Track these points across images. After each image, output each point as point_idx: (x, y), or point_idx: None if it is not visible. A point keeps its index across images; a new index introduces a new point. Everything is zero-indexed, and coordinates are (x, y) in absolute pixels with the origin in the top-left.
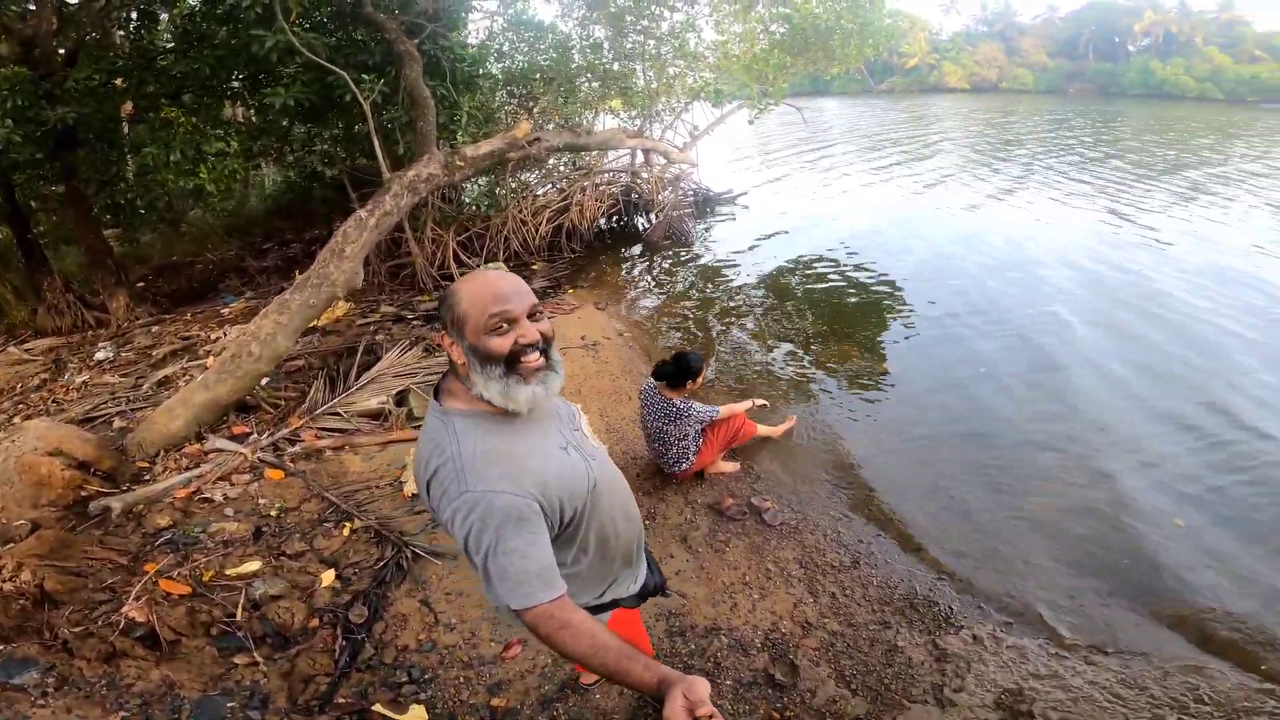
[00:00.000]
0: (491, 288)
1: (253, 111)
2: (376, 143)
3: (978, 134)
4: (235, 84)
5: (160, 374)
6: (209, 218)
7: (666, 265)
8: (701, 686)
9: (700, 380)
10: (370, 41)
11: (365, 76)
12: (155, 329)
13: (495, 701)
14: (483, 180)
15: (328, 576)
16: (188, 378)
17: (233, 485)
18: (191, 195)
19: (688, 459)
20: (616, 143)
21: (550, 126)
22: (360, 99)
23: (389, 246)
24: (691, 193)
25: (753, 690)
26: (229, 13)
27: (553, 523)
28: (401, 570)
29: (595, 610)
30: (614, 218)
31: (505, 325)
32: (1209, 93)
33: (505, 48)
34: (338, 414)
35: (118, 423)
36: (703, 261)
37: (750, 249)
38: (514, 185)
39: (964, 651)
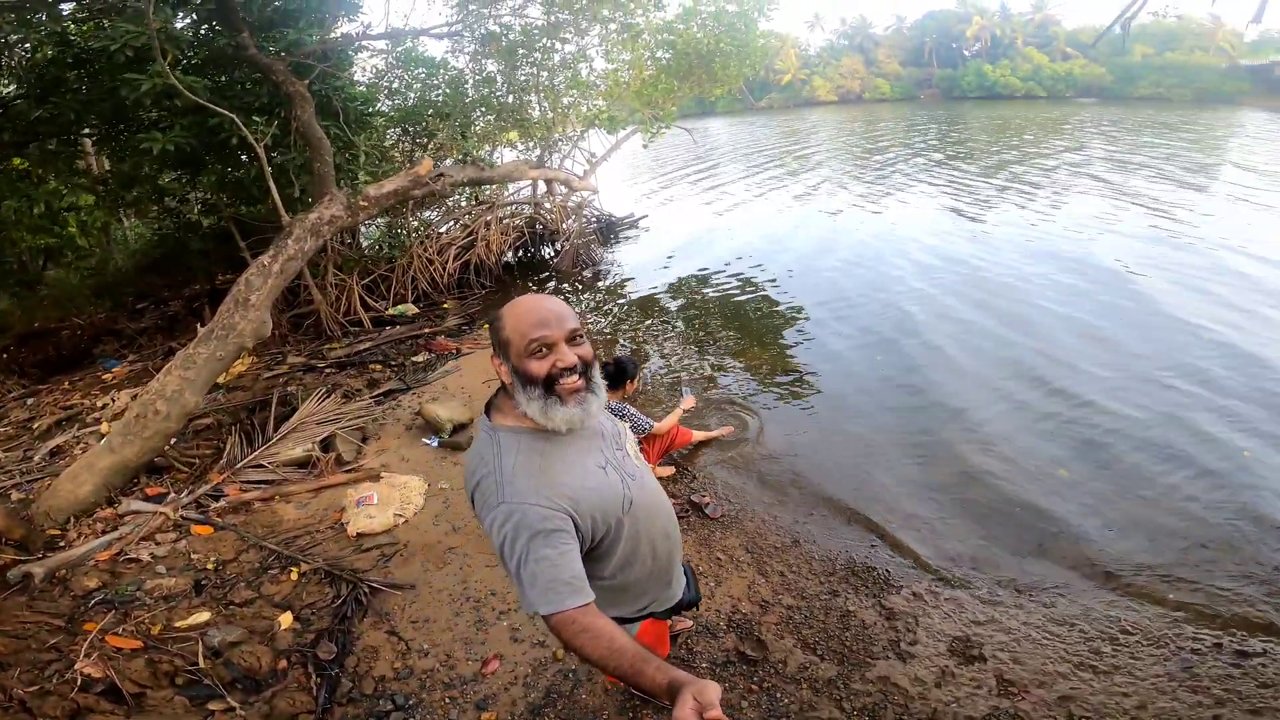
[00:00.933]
0: (533, 313)
1: (119, 160)
2: (272, 186)
3: (848, 144)
4: (93, 131)
5: (50, 444)
6: (71, 278)
7: (578, 292)
8: (712, 690)
9: (635, 385)
10: (247, 82)
11: (256, 118)
12: (30, 401)
13: (485, 716)
14: (381, 221)
15: (286, 619)
16: (83, 446)
17: (158, 544)
18: (44, 254)
19: None
20: (519, 175)
21: (449, 162)
22: (253, 141)
23: (289, 296)
24: (595, 220)
25: (728, 669)
26: (94, 56)
27: (585, 536)
28: (361, 605)
29: (627, 621)
30: (520, 250)
31: (544, 350)
32: (1033, 91)
33: (396, 85)
34: (261, 465)
35: (15, 495)
36: (613, 285)
37: (656, 269)
38: (415, 224)
39: (909, 608)
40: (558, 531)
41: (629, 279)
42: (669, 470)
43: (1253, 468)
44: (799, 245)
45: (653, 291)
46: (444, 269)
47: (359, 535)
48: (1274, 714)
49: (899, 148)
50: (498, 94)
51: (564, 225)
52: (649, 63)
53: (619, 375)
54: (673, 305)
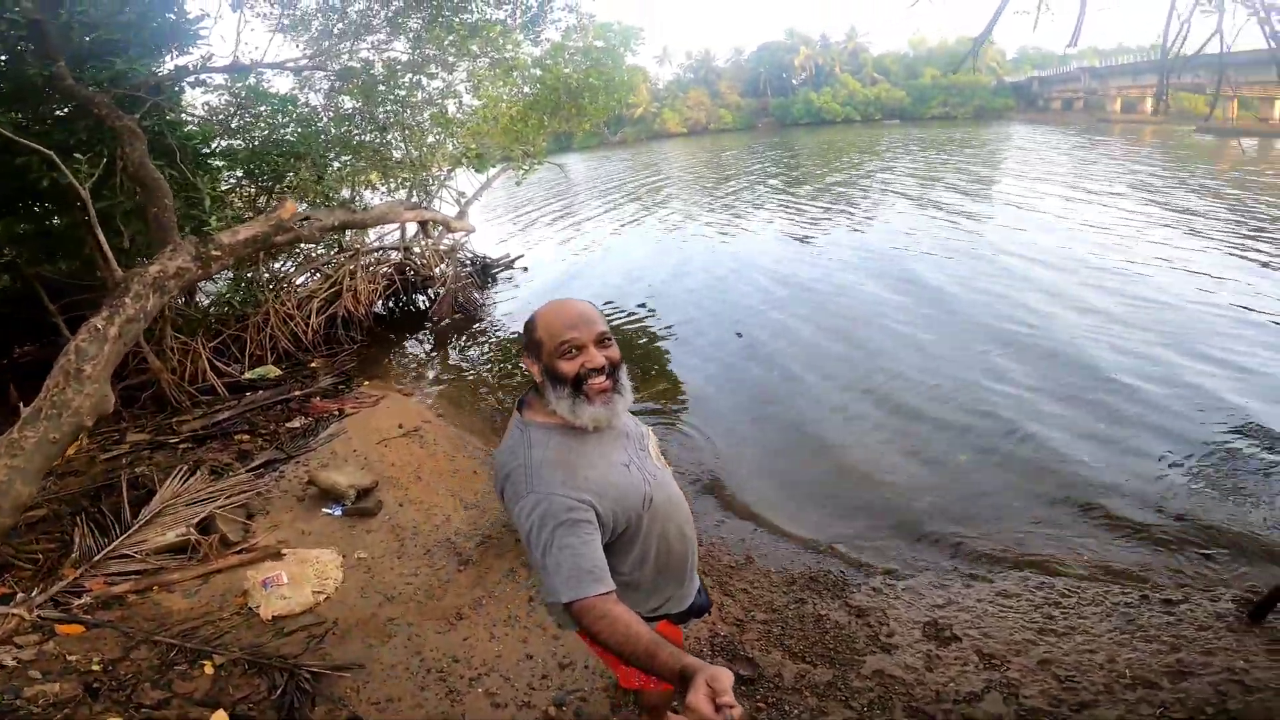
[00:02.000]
0: (564, 316)
1: None
2: (100, 235)
3: (697, 175)
4: None
5: None
6: None
7: (462, 340)
8: (725, 677)
9: None
10: (51, 119)
11: (77, 156)
12: None
13: None
14: (227, 275)
15: (219, 717)
16: None
17: (20, 647)
18: None
19: None
20: (394, 217)
21: (302, 206)
22: (76, 183)
23: (118, 365)
24: (470, 263)
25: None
26: None
27: (606, 529)
28: (307, 694)
29: (646, 620)
30: (392, 299)
31: (574, 351)
32: (851, 115)
33: (236, 124)
34: (127, 555)
35: None
36: (496, 330)
37: (534, 308)
38: (266, 276)
39: (874, 603)
40: (582, 522)
41: (510, 322)
42: None
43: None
44: (661, 275)
45: (519, 333)
46: (307, 324)
47: (276, 618)
48: (1225, 652)
49: (742, 175)
50: (356, 133)
51: (438, 270)
52: (518, 98)
53: None
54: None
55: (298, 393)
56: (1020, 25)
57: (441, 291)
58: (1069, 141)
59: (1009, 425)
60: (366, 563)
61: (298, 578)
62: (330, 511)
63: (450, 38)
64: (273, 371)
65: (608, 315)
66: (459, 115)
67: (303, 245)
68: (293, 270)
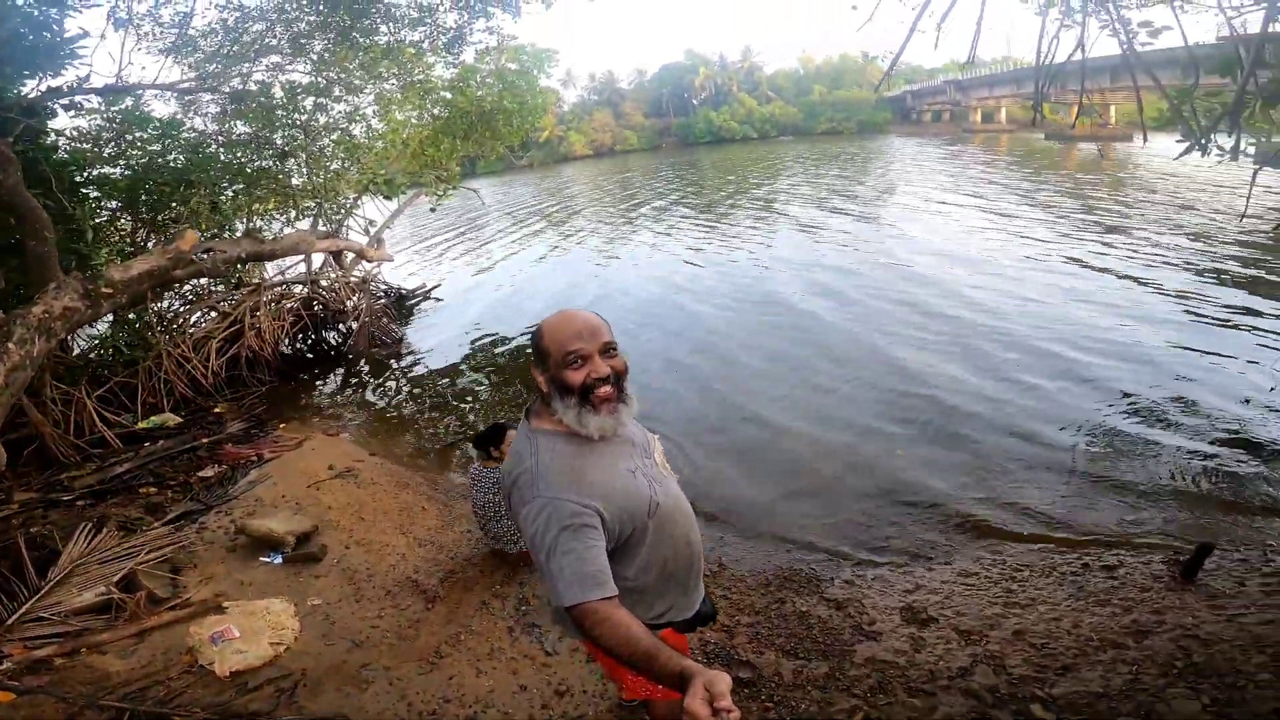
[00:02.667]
0: (569, 327)
1: None
2: None
3: (604, 196)
4: None
5: None
6: None
7: (384, 375)
8: (723, 680)
9: (506, 444)
10: None
11: None
12: None
13: None
14: (109, 317)
15: None
16: None
17: None
18: None
19: None
20: (306, 247)
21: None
22: None
23: None
24: (384, 294)
25: (732, 698)
26: None
27: (612, 534)
28: None
29: (651, 627)
30: (300, 336)
31: (580, 361)
32: (749, 133)
33: (110, 150)
34: (43, 618)
35: None
36: (419, 362)
37: (459, 338)
38: (153, 316)
39: (849, 595)
40: (586, 527)
41: (435, 354)
42: None
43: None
44: (581, 299)
45: (461, 362)
46: (206, 367)
47: (234, 674)
48: (1173, 610)
49: (650, 196)
50: (252, 160)
51: (350, 304)
52: (428, 121)
53: (487, 438)
54: (484, 372)
55: (205, 440)
56: (895, 43)
57: (355, 326)
58: (940, 151)
59: (933, 418)
60: (323, 609)
61: (250, 630)
62: (270, 560)
63: (359, 59)
64: (171, 420)
65: (526, 344)
66: (364, 140)
67: (195, 281)
68: (185, 309)
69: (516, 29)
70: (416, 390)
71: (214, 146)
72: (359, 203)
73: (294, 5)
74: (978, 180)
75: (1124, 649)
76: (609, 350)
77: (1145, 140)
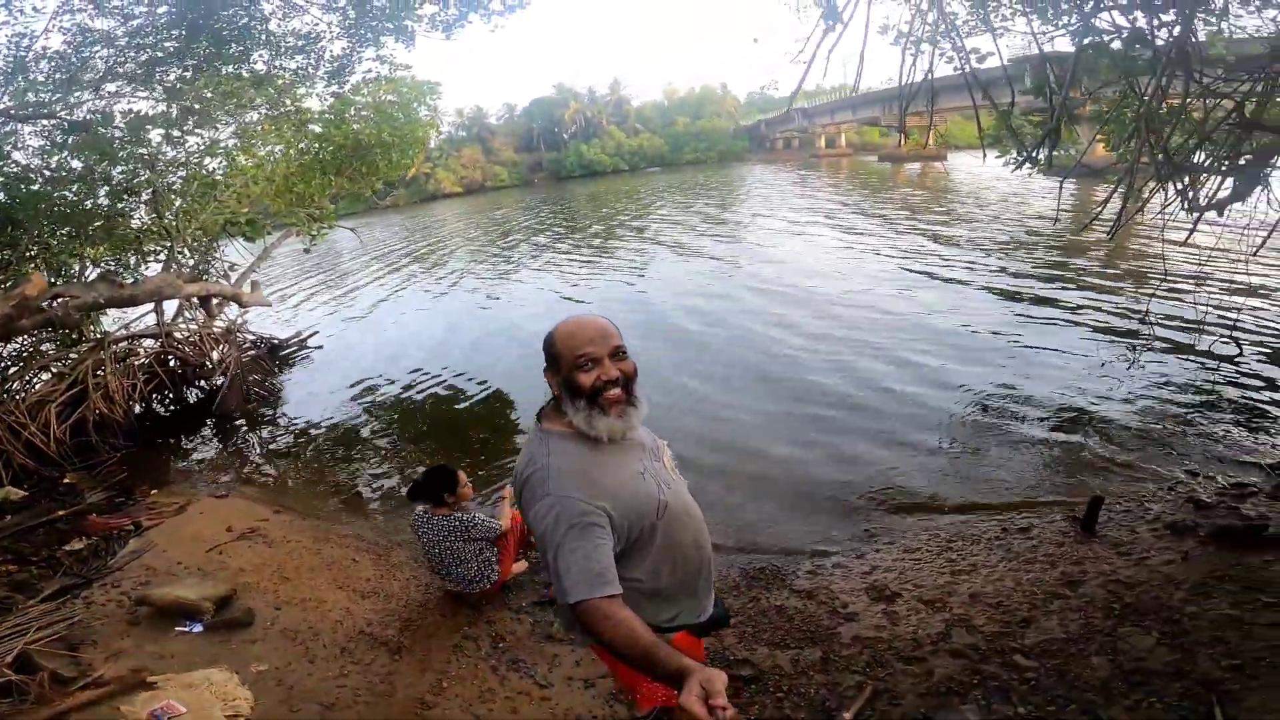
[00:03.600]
0: (580, 332)
1: None
2: None
3: (476, 234)
4: None
5: None
6: None
7: (267, 432)
8: (719, 678)
9: (463, 487)
10: None
11: None
12: None
13: None
14: None
15: None
16: None
17: None
18: None
19: (492, 571)
20: (172, 292)
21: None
22: None
23: None
24: (255, 345)
25: (741, 696)
26: None
27: (620, 534)
28: None
29: (660, 631)
30: (158, 395)
31: (590, 364)
32: (619, 165)
33: None
34: None
35: None
36: (305, 415)
37: (346, 387)
38: None
39: (816, 584)
40: (594, 526)
41: (319, 405)
42: (523, 565)
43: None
44: (467, 337)
45: (353, 412)
46: (46, 434)
47: None
48: (1089, 560)
49: (523, 231)
50: (84, 198)
51: (215, 357)
52: (296, 156)
53: (437, 486)
54: (379, 420)
55: (63, 513)
56: (748, 74)
57: (224, 381)
58: (793, 176)
59: (835, 419)
60: (273, 674)
61: (197, 704)
62: (188, 629)
63: (220, 88)
64: (14, 494)
65: (422, 385)
66: (222, 176)
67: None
68: (14, 370)
69: (410, 58)
70: (309, 444)
71: (39, 183)
72: (217, 245)
73: (149, 29)
74: (828, 202)
75: (1065, 598)
76: (618, 354)
77: (985, 157)
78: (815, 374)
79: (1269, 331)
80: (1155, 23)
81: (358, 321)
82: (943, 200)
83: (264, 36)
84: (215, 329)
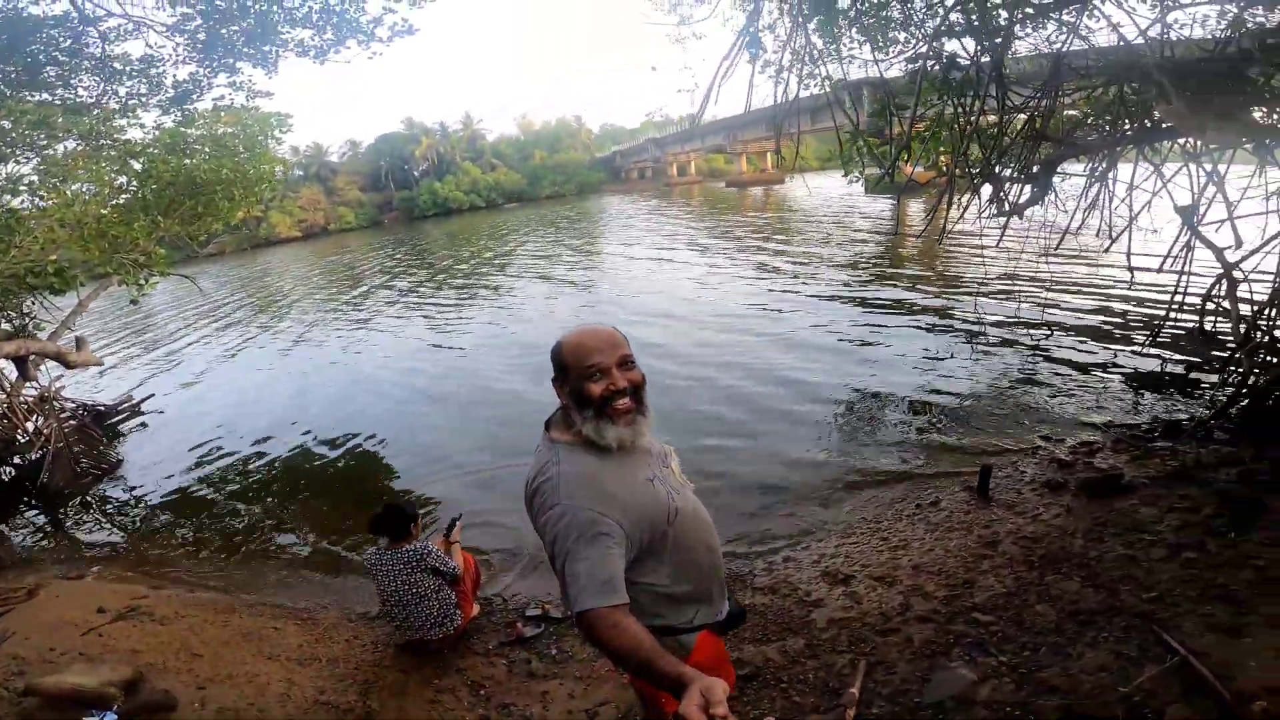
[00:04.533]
0: (588, 342)
1: None
2: None
3: (327, 280)
4: None
5: None
6: None
7: (111, 506)
8: (719, 686)
9: (419, 527)
10: None
11: None
12: None
13: None
14: None
15: None
16: None
17: None
18: None
19: (454, 613)
20: None
21: None
22: None
23: None
24: (81, 412)
25: (746, 695)
26: None
27: (633, 542)
28: None
29: (681, 631)
30: None
31: (599, 374)
32: (475, 202)
33: None
34: None
35: None
36: (152, 484)
37: (192, 452)
38: None
39: (775, 579)
40: (603, 535)
41: (165, 473)
42: (476, 608)
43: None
44: (317, 392)
45: (205, 481)
46: None
47: None
48: (996, 522)
49: (376, 276)
50: None
51: (31, 428)
52: (113, 194)
53: (399, 521)
54: (237, 483)
55: None
56: (600, 107)
57: (44, 455)
58: (649, 205)
59: (744, 428)
60: None
61: None
62: (98, 718)
63: (27, 118)
64: None
65: (286, 442)
66: (23, 215)
67: None
68: None
69: (271, 85)
70: (173, 514)
71: None
72: (23, 298)
73: None
74: (687, 229)
75: (990, 558)
76: (626, 363)
77: (854, 180)
78: (700, 402)
79: (1070, 315)
80: (978, 49)
81: (193, 383)
82: (786, 221)
83: (89, 62)
84: (26, 397)
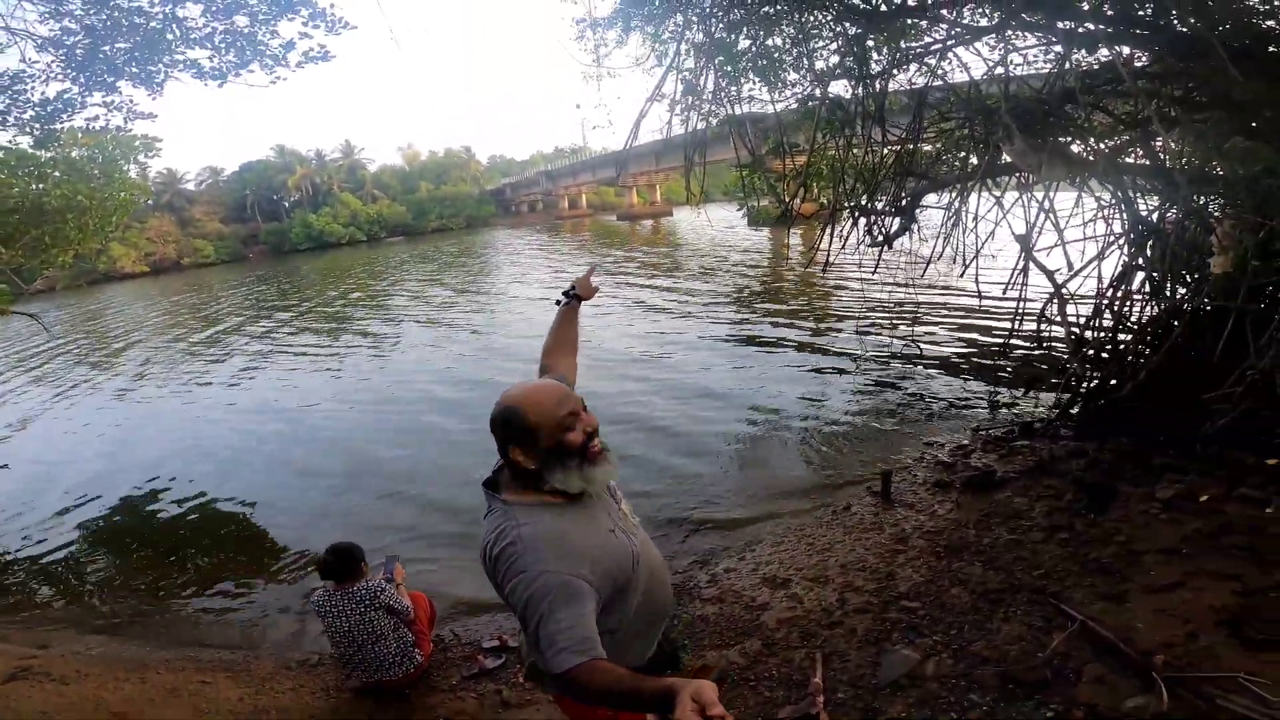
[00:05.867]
0: (550, 397)
1: None
2: None
3: (179, 321)
4: None
5: None
6: None
7: None
8: (709, 689)
9: (368, 565)
10: None
11: None
12: None
13: None
14: None
15: None
16: None
17: None
18: None
19: (412, 650)
20: None
21: None
22: None
23: None
24: None
25: (721, 698)
26: None
27: (601, 596)
28: None
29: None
30: None
31: (574, 421)
32: (356, 236)
33: None
34: None
35: None
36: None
37: (45, 507)
38: None
39: (721, 590)
40: (575, 595)
41: (23, 531)
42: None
43: None
44: (164, 433)
45: (72, 535)
46: None
47: None
48: (902, 521)
49: (238, 315)
50: None
51: None
52: None
53: (348, 561)
54: (106, 533)
55: None
56: (490, 137)
57: None
58: (541, 239)
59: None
60: None
61: None
62: None
63: None
64: None
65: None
66: None
67: None
68: None
69: (156, 106)
70: (37, 572)
71: None
72: None
73: None
74: (573, 265)
75: (904, 552)
76: (584, 407)
77: (745, 212)
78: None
79: (942, 332)
80: (855, 89)
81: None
82: (675, 254)
83: None
84: None
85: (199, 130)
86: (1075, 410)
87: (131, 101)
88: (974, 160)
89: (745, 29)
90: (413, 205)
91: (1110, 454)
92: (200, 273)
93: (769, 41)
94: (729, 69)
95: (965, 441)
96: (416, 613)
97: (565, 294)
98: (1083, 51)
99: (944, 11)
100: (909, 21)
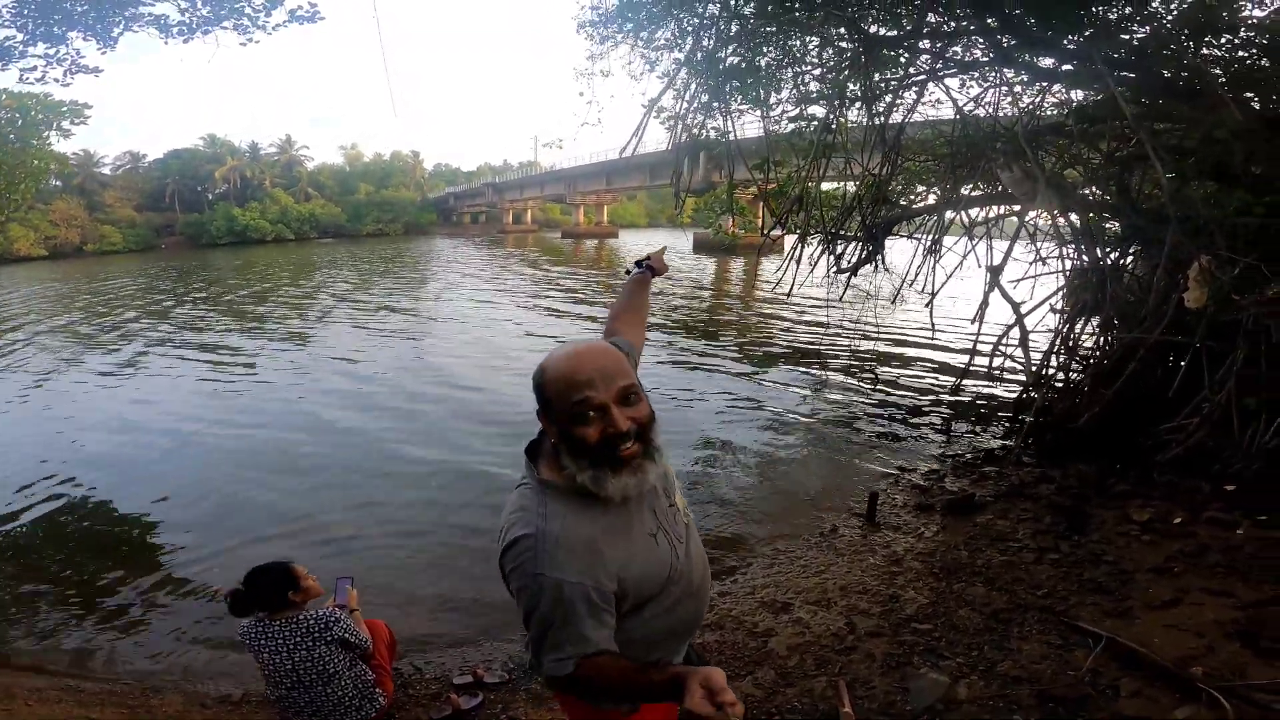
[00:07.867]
0: (576, 371)
1: None
2: None
3: (72, 311)
4: None
5: None
6: None
7: None
8: (718, 675)
9: (306, 580)
10: None
11: None
12: None
13: None
14: None
15: None
16: None
17: None
18: None
19: (373, 690)
20: None
21: None
22: None
23: None
24: None
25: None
26: None
27: (625, 600)
28: None
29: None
30: None
31: (591, 413)
32: (283, 234)
33: None
34: None
35: None
36: None
37: None
38: None
39: (720, 617)
40: (590, 605)
41: None
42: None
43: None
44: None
45: None
46: None
47: None
48: (892, 543)
49: (138, 309)
50: None
51: None
52: None
53: (270, 587)
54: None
55: None
56: (438, 145)
57: None
58: (486, 252)
59: None
60: None
61: None
62: None
63: None
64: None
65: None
66: None
67: None
68: None
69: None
70: None
71: None
72: None
73: None
74: (519, 277)
75: (902, 574)
76: (628, 397)
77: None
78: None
79: (903, 365)
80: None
81: None
82: (618, 275)
83: None
84: None
85: (124, 114)
86: (1035, 437)
87: (78, 54)
88: (945, 189)
89: (735, 45)
90: (349, 207)
91: (1074, 479)
92: (105, 260)
93: (757, 61)
94: (712, 83)
95: (936, 467)
96: (376, 645)
97: (638, 263)
98: (1075, 91)
99: (932, 43)
100: (894, 52)
